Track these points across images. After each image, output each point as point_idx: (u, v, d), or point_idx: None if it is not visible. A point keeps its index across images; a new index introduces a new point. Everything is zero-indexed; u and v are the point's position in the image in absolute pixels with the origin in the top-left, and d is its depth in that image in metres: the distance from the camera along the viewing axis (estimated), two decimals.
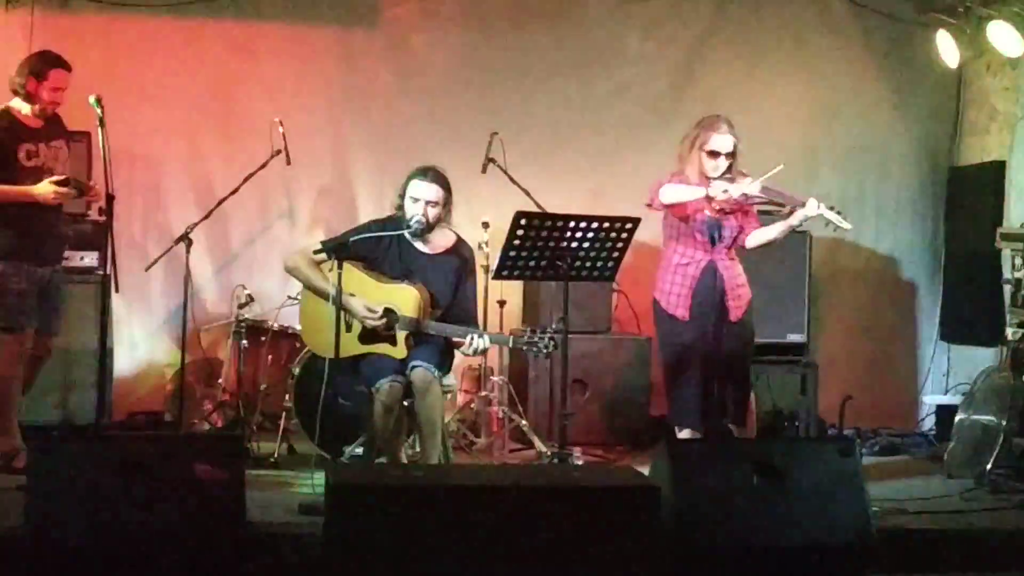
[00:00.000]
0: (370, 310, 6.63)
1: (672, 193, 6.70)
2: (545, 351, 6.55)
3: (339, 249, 6.34)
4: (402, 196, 6.80)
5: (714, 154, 6.71)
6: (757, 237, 6.88)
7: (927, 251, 9.69)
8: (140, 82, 8.70)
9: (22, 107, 6.91)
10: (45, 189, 6.75)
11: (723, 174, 6.72)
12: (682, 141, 6.86)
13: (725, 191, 6.62)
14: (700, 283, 6.75)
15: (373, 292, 6.70)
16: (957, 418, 7.71)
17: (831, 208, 6.61)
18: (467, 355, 6.76)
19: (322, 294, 6.64)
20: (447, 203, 6.82)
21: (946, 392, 9.32)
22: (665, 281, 6.85)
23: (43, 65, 6.90)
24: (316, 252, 6.66)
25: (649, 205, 6.84)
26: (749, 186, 6.62)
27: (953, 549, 6.02)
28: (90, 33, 8.66)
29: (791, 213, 6.73)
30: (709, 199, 6.68)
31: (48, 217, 6.94)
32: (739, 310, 6.79)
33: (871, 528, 5.49)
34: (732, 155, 6.74)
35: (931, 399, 9.33)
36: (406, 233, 6.73)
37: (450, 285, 6.82)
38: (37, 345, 7.05)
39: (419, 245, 6.84)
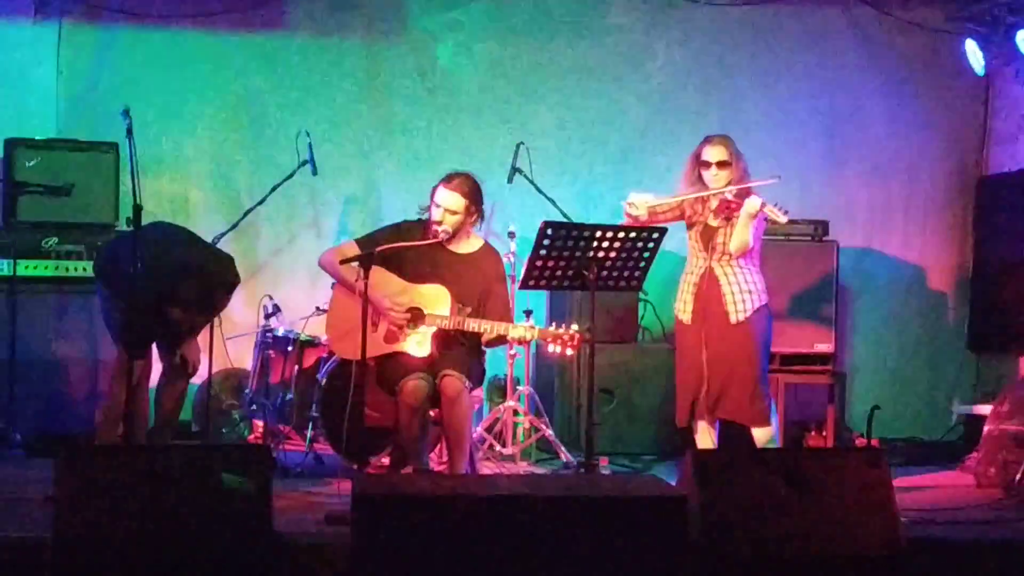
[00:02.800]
0: (396, 304, 6.64)
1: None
2: (571, 345, 6.53)
3: (366, 258, 6.34)
4: (430, 200, 6.84)
5: (706, 164, 6.96)
6: (732, 242, 6.97)
7: (955, 260, 9.64)
8: (168, 93, 8.74)
9: None
10: None
11: (725, 185, 6.95)
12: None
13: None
14: (699, 289, 6.99)
15: (403, 291, 6.70)
16: (986, 428, 7.67)
17: (775, 205, 6.78)
18: (513, 340, 6.77)
19: (352, 288, 6.64)
20: (470, 211, 6.81)
21: (975, 402, 9.27)
22: (678, 289, 7.17)
23: None
24: (347, 260, 6.64)
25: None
26: (723, 191, 6.92)
27: (983, 560, 5.98)
28: (118, 44, 8.70)
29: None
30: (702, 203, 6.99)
31: None
32: (740, 314, 6.93)
33: (900, 539, 5.46)
34: (725, 165, 6.94)
35: (960, 409, 9.29)
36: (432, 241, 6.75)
37: (477, 287, 6.81)
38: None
39: (448, 245, 6.84)
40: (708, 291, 6.96)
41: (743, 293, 6.95)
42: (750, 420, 6.97)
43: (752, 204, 6.78)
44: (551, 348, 6.64)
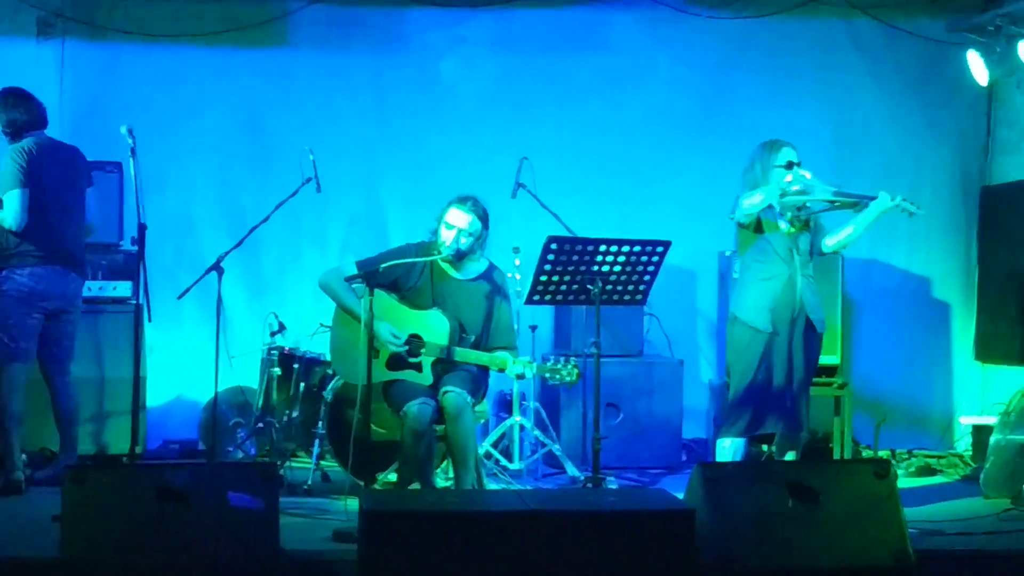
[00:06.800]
0: (394, 335, 6.65)
1: (749, 204, 6.74)
2: (569, 379, 6.58)
3: (371, 276, 6.36)
4: (439, 221, 6.83)
5: (790, 165, 6.75)
6: (836, 237, 6.92)
7: (960, 271, 9.64)
8: (171, 111, 8.77)
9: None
10: None
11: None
12: (748, 171, 6.89)
13: (802, 178, 6.69)
14: (781, 297, 6.78)
15: (403, 318, 6.72)
16: (993, 438, 7.66)
17: (903, 199, 6.67)
18: (511, 377, 6.80)
19: (353, 314, 6.67)
20: (481, 235, 6.84)
21: (982, 412, 9.26)
22: (747, 296, 6.87)
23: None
24: (350, 277, 6.70)
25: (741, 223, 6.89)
26: (826, 186, 6.72)
27: (991, 570, 5.98)
28: (121, 63, 8.73)
29: (863, 209, 6.79)
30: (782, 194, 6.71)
31: None
32: (821, 323, 6.89)
33: (909, 550, 5.45)
34: (794, 165, 6.79)
35: (967, 419, 9.27)
36: (438, 259, 6.76)
37: (482, 311, 6.84)
38: None
39: (451, 271, 6.85)
40: (789, 300, 6.79)
41: (821, 305, 6.93)
42: (806, 427, 6.96)
43: (885, 199, 6.65)
44: (550, 382, 6.69)
